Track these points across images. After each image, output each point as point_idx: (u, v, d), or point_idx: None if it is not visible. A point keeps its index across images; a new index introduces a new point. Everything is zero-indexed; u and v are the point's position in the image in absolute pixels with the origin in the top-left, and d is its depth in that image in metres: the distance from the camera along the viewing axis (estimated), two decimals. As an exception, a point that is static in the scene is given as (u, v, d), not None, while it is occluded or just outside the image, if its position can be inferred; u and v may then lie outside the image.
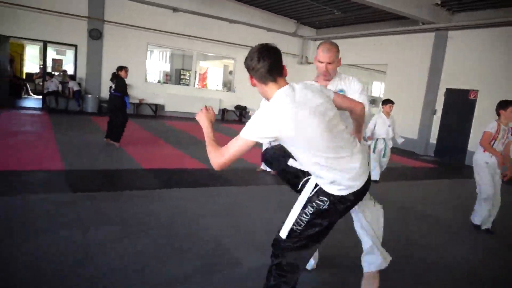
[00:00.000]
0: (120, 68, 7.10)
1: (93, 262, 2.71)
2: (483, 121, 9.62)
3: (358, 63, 15.07)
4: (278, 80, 1.95)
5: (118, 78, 7.03)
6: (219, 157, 1.90)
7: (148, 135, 8.93)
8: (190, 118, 13.36)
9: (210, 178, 5.62)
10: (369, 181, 2.07)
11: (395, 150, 10.77)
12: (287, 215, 2.12)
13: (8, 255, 2.70)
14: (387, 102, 6.41)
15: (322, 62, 2.60)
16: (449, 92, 10.57)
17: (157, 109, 13.06)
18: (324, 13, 13.08)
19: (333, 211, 2.01)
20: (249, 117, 15.02)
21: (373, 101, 19.48)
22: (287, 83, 1.96)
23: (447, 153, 10.53)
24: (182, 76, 17.12)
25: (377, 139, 6.33)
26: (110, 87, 7.27)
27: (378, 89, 20.32)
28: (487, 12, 9.73)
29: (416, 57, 11.61)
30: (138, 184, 4.90)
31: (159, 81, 14.89)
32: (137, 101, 12.05)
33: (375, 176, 6.28)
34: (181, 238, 3.32)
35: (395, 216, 4.58)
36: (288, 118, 1.82)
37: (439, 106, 10.87)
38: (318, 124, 1.85)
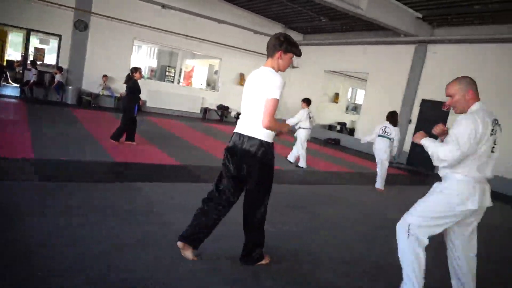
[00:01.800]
0: (135, 69, 7.00)
1: (51, 244, 2.77)
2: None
3: (341, 70, 15.34)
4: (268, 59, 2.84)
5: (132, 80, 6.96)
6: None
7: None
8: (171, 115, 13.40)
9: (183, 174, 5.69)
10: (248, 141, 2.76)
11: (370, 156, 11.05)
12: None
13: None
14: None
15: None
16: (424, 103, 10.89)
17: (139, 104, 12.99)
18: (312, 19, 13.29)
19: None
20: (230, 117, 14.99)
21: (355, 108, 19.83)
22: (273, 66, 2.80)
23: (418, 162, 10.82)
24: (167, 73, 17.07)
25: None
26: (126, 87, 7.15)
27: (362, 97, 20.65)
28: (467, 28, 10.07)
29: (396, 67, 11.91)
30: (107, 177, 4.94)
31: (143, 77, 14.80)
32: (118, 95, 12.02)
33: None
34: (141, 230, 3.38)
35: (361, 217, 4.74)
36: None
37: (414, 116, 11.19)
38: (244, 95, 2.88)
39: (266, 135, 2.75)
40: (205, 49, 14.41)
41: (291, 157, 8.01)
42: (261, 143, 2.74)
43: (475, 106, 2.56)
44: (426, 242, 2.60)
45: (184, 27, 13.47)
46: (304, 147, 7.76)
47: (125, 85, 7.18)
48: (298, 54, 2.85)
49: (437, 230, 2.61)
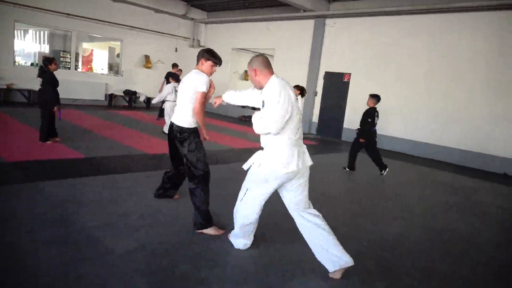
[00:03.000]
0: (49, 60, 6.36)
1: None
2: (355, 100, 10.77)
3: (249, 47, 15.46)
4: (196, 66, 3.57)
5: (47, 72, 6.32)
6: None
7: (18, 125, 7.98)
8: (71, 105, 12.29)
9: (90, 168, 5.29)
10: (175, 128, 3.54)
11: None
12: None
13: None
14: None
15: None
16: (328, 75, 11.56)
17: (30, 95, 11.66)
18: (214, -4, 13.05)
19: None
20: (139, 102, 14.28)
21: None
22: (199, 69, 3.53)
23: (327, 131, 11.59)
24: (62, 59, 15.47)
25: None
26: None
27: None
28: (361, 2, 10.77)
29: (299, 42, 12.38)
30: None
31: (32, 64, 13.23)
32: (4, 87, 10.64)
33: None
34: (49, 232, 3.09)
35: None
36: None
37: (320, 88, 11.84)
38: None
39: (187, 123, 3.51)
40: (102, 31, 13.33)
41: (165, 129, 8.73)
42: (183, 129, 3.50)
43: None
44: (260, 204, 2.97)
45: (76, 6, 12.24)
46: (171, 117, 8.35)
47: (39, 79, 6.47)
48: (216, 62, 3.52)
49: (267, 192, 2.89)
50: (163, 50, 14.70)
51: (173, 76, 9.06)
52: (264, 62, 2.89)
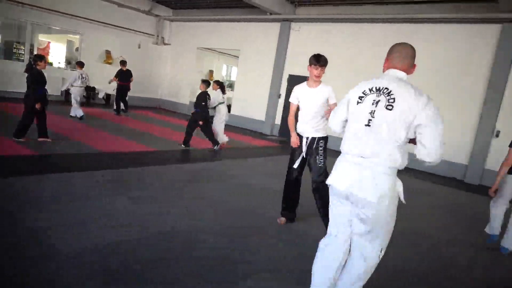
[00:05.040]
0: (39, 58, 6.26)
1: None
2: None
3: (214, 47, 15.35)
4: None
5: (35, 69, 6.15)
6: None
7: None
8: (20, 98, 11.60)
9: (41, 165, 5.01)
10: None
11: (245, 131, 11.47)
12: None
13: None
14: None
15: None
16: (291, 78, 11.68)
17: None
18: (180, -7, 12.85)
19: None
20: (98, 99, 13.73)
21: (230, 85, 20.25)
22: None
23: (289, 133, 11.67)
24: (15, 50, 14.61)
25: None
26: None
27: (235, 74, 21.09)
28: (326, 8, 10.97)
29: (264, 44, 12.44)
30: None
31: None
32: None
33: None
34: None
35: (239, 190, 4.87)
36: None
37: (283, 91, 11.95)
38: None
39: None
40: (60, 23, 12.72)
41: (72, 113, 9.64)
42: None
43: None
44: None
45: (31, -4, 11.63)
46: (77, 101, 9.52)
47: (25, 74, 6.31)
48: (311, 62, 3.69)
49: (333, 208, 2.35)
50: (126, 46, 14.26)
51: (79, 63, 9.84)
52: (395, 52, 2.31)
